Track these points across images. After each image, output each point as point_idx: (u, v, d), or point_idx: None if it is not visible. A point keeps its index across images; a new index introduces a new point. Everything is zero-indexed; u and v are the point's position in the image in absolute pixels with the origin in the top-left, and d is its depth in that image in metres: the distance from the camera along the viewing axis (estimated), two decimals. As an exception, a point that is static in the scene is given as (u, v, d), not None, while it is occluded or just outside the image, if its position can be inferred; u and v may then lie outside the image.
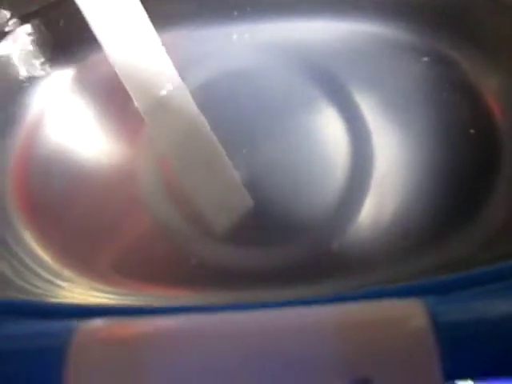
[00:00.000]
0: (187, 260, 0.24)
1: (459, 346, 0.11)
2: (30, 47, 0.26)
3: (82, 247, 0.25)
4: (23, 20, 0.25)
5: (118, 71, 0.20)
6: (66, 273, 0.24)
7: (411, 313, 0.11)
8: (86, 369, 0.11)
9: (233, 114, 0.25)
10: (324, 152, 0.25)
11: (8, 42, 0.25)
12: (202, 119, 0.22)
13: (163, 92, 0.21)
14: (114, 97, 0.26)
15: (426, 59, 0.26)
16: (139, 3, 0.19)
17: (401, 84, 0.26)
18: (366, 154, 0.25)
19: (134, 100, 0.21)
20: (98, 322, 0.12)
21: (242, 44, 0.27)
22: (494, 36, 0.25)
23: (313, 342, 0.10)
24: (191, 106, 0.21)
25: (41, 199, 0.25)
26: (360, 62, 0.26)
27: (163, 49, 0.20)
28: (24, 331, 0.13)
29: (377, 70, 0.26)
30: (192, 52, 0.26)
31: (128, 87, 0.20)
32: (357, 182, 0.25)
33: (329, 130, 0.26)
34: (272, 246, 0.25)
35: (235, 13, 0.27)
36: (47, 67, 0.26)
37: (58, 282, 0.23)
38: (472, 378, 0.11)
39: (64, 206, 0.26)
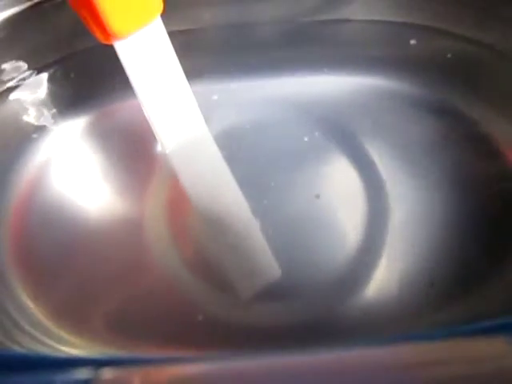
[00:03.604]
0: (194, 317, 0.23)
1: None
2: (43, 97, 0.26)
3: (81, 307, 0.23)
4: (38, 71, 0.25)
5: (147, 114, 0.20)
6: (64, 335, 0.22)
7: (500, 351, 0.10)
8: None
9: (247, 165, 0.25)
10: (341, 202, 0.25)
11: (22, 91, 0.25)
12: (225, 166, 0.21)
13: (189, 135, 0.20)
14: (121, 149, 0.26)
15: (436, 111, 0.26)
16: (173, 51, 0.20)
17: (412, 136, 0.26)
18: (382, 202, 0.25)
19: (160, 142, 0.20)
20: (118, 371, 0.11)
21: (255, 97, 0.27)
22: (502, 88, 0.26)
23: (399, 380, 0.09)
24: (215, 151, 0.21)
25: (39, 254, 0.24)
26: (371, 114, 0.27)
27: (192, 94, 0.20)
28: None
29: (388, 122, 0.26)
30: (209, 105, 0.26)
31: (155, 130, 0.20)
32: (376, 231, 0.24)
33: (344, 182, 0.25)
34: (290, 302, 0.23)
35: (251, 69, 0.28)
36: (58, 118, 0.26)
37: (56, 345, 0.21)
38: None
39: (64, 263, 0.24)
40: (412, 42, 0.27)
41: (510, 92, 0.25)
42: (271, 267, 0.23)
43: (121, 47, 0.19)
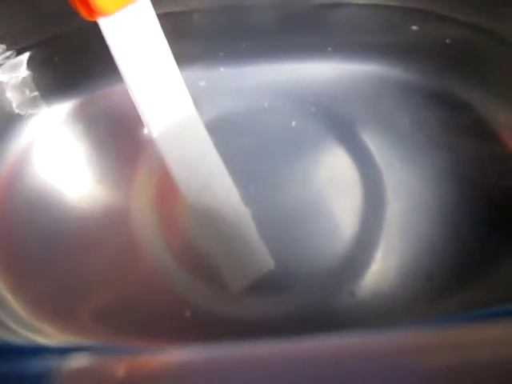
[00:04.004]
0: (181, 312, 0.22)
1: None
2: (24, 80, 0.25)
3: (63, 300, 0.22)
4: (19, 53, 0.24)
5: (132, 94, 0.19)
6: (45, 328, 0.21)
7: (499, 335, 0.09)
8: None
9: (238, 153, 0.24)
10: (335, 193, 0.24)
11: (2, 73, 0.24)
12: (214, 151, 0.21)
13: (177, 118, 0.20)
14: (106, 136, 0.25)
15: (435, 98, 0.26)
16: (161, 31, 0.19)
17: (410, 125, 0.25)
18: (378, 193, 0.24)
19: (146, 125, 0.19)
20: (99, 358, 0.10)
21: (247, 84, 0.26)
22: (502, 73, 0.25)
23: (393, 365, 0.08)
24: (204, 135, 0.20)
25: (19, 243, 0.23)
26: (368, 101, 0.26)
27: (180, 77, 0.20)
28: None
29: (385, 110, 0.26)
30: (197, 91, 0.25)
31: (142, 112, 0.19)
32: (372, 222, 0.23)
33: (338, 171, 0.25)
34: (283, 294, 0.22)
35: (241, 54, 0.27)
36: (41, 102, 0.25)
37: (36, 338, 0.20)
38: None
39: (45, 252, 0.23)
40: (413, 27, 0.26)
41: (510, 77, 0.25)
42: (263, 258, 0.22)
43: (105, 25, 0.18)
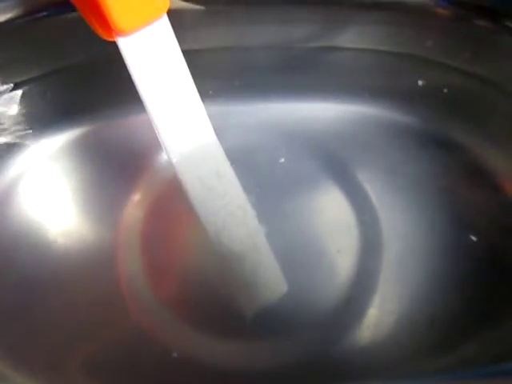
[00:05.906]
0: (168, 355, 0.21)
1: None
2: (16, 115, 0.24)
3: (46, 351, 0.21)
4: (12, 88, 0.23)
5: (151, 117, 0.18)
6: (21, 380, 0.20)
7: None
8: None
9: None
10: (331, 234, 0.24)
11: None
12: (233, 174, 0.20)
13: (197, 142, 0.19)
14: (94, 173, 0.24)
15: (432, 144, 0.25)
16: (180, 52, 0.18)
17: (408, 168, 0.25)
18: (375, 235, 0.23)
19: (165, 150, 0.19)
20: None
21: (242, 122, 0.26)
22: (497, 119, 0.24)
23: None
24: (223, 159, 0.19)
25: None
26: (365, 144, 0.26)
27: (200, 100, 0.19)
28: None
29: (382, 153, 0.25)
30: None
31: (161, 136, 0.18)
32: (369, 265, 0.23)
33: (335, 211, 0.24)
34: (277, 340, 0.21)
35: (234, 92, 0.26)
36: (30, 136, 0.25)
37: None
38: None
39: (25, 295, 0.22)
40: (411, 74, 0.25)
41: (505, 123, 0.24)
42: (278, 280, 0.21)
43: (124, 44, 0.17)
